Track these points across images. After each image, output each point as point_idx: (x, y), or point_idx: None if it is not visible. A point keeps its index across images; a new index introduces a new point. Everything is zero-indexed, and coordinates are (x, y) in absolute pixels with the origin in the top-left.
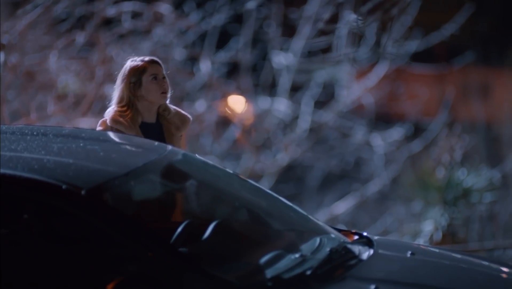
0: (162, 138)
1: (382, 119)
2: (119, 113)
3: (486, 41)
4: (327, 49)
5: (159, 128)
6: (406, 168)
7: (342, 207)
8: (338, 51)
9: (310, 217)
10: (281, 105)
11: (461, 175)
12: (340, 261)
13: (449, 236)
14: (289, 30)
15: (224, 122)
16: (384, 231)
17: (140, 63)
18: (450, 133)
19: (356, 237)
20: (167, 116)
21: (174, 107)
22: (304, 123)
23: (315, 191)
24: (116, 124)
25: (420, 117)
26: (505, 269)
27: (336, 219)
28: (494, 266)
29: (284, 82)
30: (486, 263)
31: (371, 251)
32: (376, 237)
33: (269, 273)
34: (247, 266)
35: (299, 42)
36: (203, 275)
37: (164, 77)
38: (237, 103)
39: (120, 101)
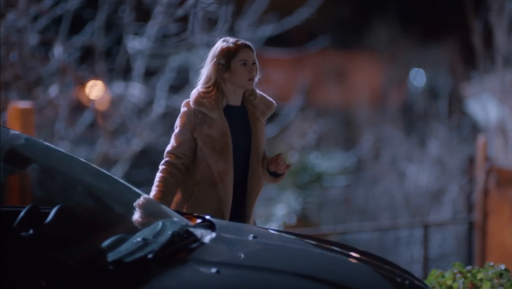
0: (246, 122)
1: None
2: (203, 94)
3: (343, 25)
4: (181, 34)
5: (243, 112)
6: None
7: None
8: (191, 36)
9: (154, 201)
10: (136, 90)
11: (315, 159)
12: (182, 244)
13: (303, 220)
14: (143, 15)
15: (78, 107)
16: None
17: (231, 45)
18: (304, 117)
19: (198, 221)
20: (253, 101)
21: (260, 92)
22: (158, 108)
23: None
24: (198, 106)
25: (275, 101)
26: (353, 253)
27: None
28: (342, 250)
29: (139, 67)
30: (334, 247)
31: (214, 234)
32: (218, 221)
33: (111, 256)
34: (89, 250)
35: (153, 27)
36: (45, 259)
37: (254, 63)
38: (91, 88)
39: (207, 81)
